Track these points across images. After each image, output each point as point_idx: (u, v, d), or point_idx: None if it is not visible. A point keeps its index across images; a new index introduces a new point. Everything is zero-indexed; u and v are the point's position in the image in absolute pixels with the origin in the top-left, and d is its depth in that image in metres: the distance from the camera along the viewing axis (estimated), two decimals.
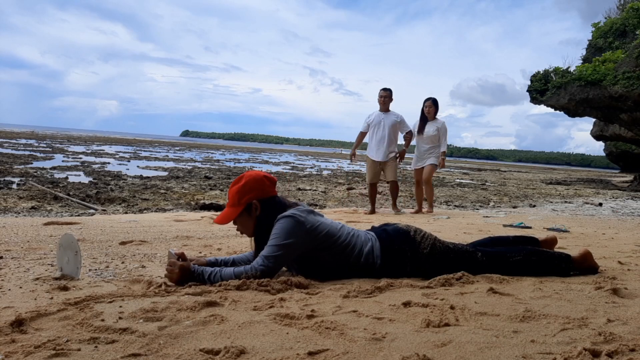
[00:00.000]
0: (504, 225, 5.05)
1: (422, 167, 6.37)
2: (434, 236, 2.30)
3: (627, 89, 13.92)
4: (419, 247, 2.20)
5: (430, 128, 6.25)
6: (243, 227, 2.19)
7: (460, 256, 2.25)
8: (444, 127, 6.22)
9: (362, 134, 6.39)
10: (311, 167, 20.40)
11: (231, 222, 2.18)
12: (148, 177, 10.53)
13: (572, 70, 16.85)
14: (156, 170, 13.38)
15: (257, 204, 2.13)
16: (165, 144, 43.16)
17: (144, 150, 26.45)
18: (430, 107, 6.23)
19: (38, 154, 15.80)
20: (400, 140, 6.55)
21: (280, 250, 2.03)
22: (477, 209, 8.01)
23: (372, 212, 6.17)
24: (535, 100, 18.04)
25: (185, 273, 1.96)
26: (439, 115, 6.42)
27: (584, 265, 2.44)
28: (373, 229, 2.38)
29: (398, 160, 6.29)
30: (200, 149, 37.68)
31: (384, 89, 6.25)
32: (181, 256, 2.06)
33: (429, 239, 2.25)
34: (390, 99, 6.23)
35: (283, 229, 2.03)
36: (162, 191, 8.08)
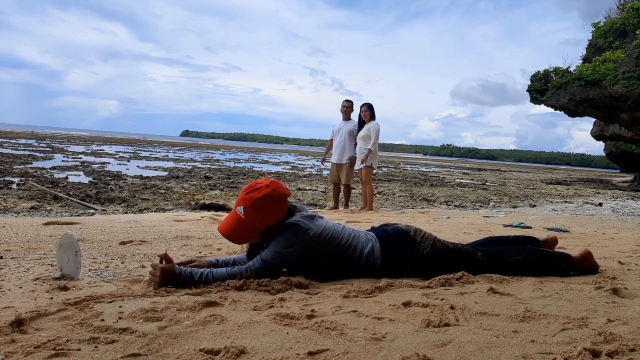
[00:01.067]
0: (504, 225, 5.05)
1: (360, 168, 6.81)
2: (434, 236, 2.30)
3: (627, 89, 13.92)
4: (419, 247, 2.21)
5: (363, 129, 6.68)
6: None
7: (460, 256, 2.26)
8: (374, 127, 6.58)
9: (331, 141, 7.09)
10: (311, 167, 20.41)
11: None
12: (148, 177, 10.53)
13: (572, 70, 16.85)
14: (156, 170, 13.38)
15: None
16: (165, 144, 43.15)
17: (144, 150, 26.45)
18: (366, 111, 6.70)
19: (38, 154, 15.80)
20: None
21: (279, 258, 2.02)
22: (477, 209, 8.01)
23: (335, 208, 6.92)
24: (535, 100, 18.04)
25: (166, 275, 1.86)
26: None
27: (585, 265, 2.44)
28: (373, 229, 2.38)
29: (349, 164, 6.78)
30: (200, 148, 37.67)
31: (347, 100, 6.96)
32: (164, 257, 1.90)
33: (429, 239, 2.25)
34: (352, 109, 6.95)
35: (291, 240, 2.01)
36: (162, 191, 8.08)
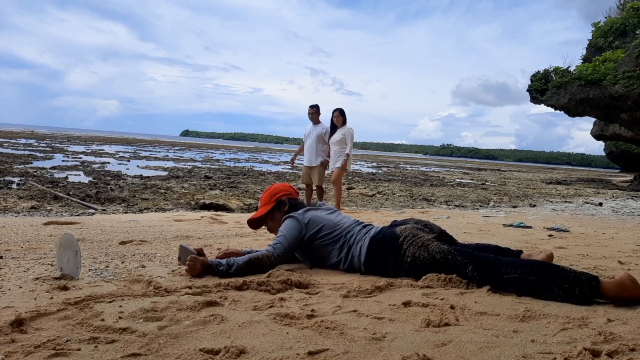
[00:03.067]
0: (504, 225, 5.05)
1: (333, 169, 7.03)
2: (428, 243, 2.18)
3: (627, 89, 13.92)
4: (403, 255, 2.19)
5: (337, 134, 6.85)
6: (273, 223, 2.55)
7: (445, 269, 2.10)
8: (349, 132, 6.78)
9: (302, 144, 7.32)
10: None
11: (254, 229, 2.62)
12: (148, 177, 10.53)
13: (572, 70, 16.85)
14: (156, 170, 13.38)
15: (286, 201, 2.55)
16: (165, 144, 43.15)
17: (144, 150, 26.45)
18: (338, 117, 6.86)
19: (38, 154, 15.80)
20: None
21: (282, 239, 2.34)
22: (477, 209, 8.01)
23: None
24: (535, 100, 18.04)
25: (205, 267, 2.14)
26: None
27: (622, 296, 1.84)
28: (392, 224, 2.45)
29: (321, 167, 7.01)
30: (200, 148, 37.68)
31: (311, 106, 7.10)
32: (200, 251, 2.25)
33: (415, 246, 2.18)
34: (318, 114, 7.10)
35: (286, 225, 2.41)
36: (162, 191, 8.08)
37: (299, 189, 7.26)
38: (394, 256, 2.21)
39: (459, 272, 2.07)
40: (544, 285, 1.90)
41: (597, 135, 24.43)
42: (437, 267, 2.12)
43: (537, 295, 1.91)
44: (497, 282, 2.00)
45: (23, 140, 25.79)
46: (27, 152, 16.12)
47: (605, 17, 19.11)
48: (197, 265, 2.12)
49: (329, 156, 6.98)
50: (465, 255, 2.10)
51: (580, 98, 15.81)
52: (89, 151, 20.49)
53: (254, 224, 2.60)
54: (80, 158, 15.56)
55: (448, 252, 2.13)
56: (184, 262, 2.24)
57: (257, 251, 2.36)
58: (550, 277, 1.90)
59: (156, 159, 19.20)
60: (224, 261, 2.18)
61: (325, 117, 7.17)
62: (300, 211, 2.47)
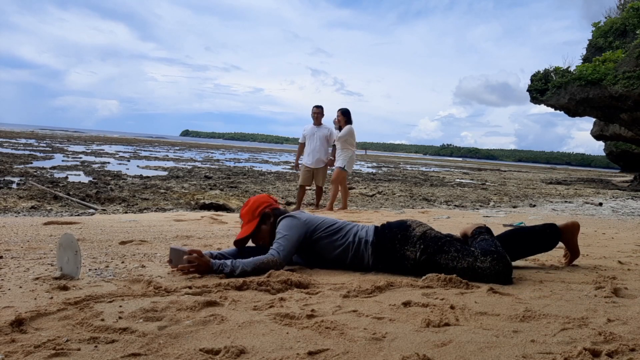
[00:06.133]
0: (504, 225, 5.05)
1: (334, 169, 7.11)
2: (433, 230, 2.40)
3: (627, 89, 13.92)
4: (412, 231, 2.35)
5: (341, 133, 6.96)
6: (263, 236, 2.46)
7: (451, 242, 2.32)
8: (349, 130, 6.91)
9: (302, 145, 7.26)
10: None
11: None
12: (148, 177, 10.53)
13: (572, 70, 16.85)
14: (156, 169, 13.38)
15: (270, 212, 2.47)
16: (165, 144, 43.15)
17: (144, 150, 26.45)
18: (340, 117, 6.97)
19: (38, 154, 15.80)
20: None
21: (284, 240, 2.32)
22: (477, 209, 8.01)
23: (298, 209, 7.08)
24: (535, 99, 18.04)
25: (205, 265, 2.15)
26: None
27: (568, 228, 2.64)
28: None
29: (326, 168, 7.12)
30: (200, 148, 37.69)
31: (317, 107, 7.15)
32: (197, 253, 2.23)
33: (424, 226, 2.39)
34: (322, 115, 7.16)
35: (285, 226, 2.37)
36: (162, 191, 8.08)
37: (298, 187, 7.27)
38: (402, 232, 2.36)
39: (462, 246, 2.28)
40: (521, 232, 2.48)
41: (597, 135, 24.44)
42: (445, 239, 2.30)
43: (520, 241, 2.49)
44: (491, 247, 2.27)
45: (23, 140, 25.78)
46: (27, 152, 16.12)
47: (605, 17, 19.10)
48: (201, 266, 2.13)
49: (333, 156, 7.04)
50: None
51: (580, 98, 15.81)
52: (89, 151, 20.49)
53: (241, 243, 2.47)
54: (80, 158, 15.56)
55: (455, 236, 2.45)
56: (175, 265, 2.22)
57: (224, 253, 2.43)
58: (523, 229, 2.54)
59: (156, 159, 19.20)
60: (228, 262, 2.17)
61: (328, 117, 7.20)
62: (294, 212, 2.50)
